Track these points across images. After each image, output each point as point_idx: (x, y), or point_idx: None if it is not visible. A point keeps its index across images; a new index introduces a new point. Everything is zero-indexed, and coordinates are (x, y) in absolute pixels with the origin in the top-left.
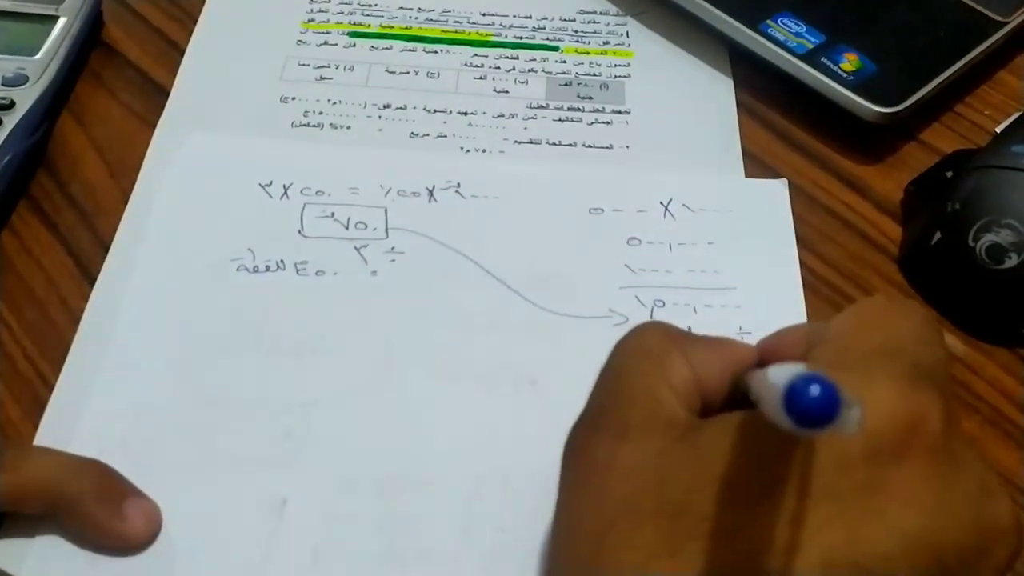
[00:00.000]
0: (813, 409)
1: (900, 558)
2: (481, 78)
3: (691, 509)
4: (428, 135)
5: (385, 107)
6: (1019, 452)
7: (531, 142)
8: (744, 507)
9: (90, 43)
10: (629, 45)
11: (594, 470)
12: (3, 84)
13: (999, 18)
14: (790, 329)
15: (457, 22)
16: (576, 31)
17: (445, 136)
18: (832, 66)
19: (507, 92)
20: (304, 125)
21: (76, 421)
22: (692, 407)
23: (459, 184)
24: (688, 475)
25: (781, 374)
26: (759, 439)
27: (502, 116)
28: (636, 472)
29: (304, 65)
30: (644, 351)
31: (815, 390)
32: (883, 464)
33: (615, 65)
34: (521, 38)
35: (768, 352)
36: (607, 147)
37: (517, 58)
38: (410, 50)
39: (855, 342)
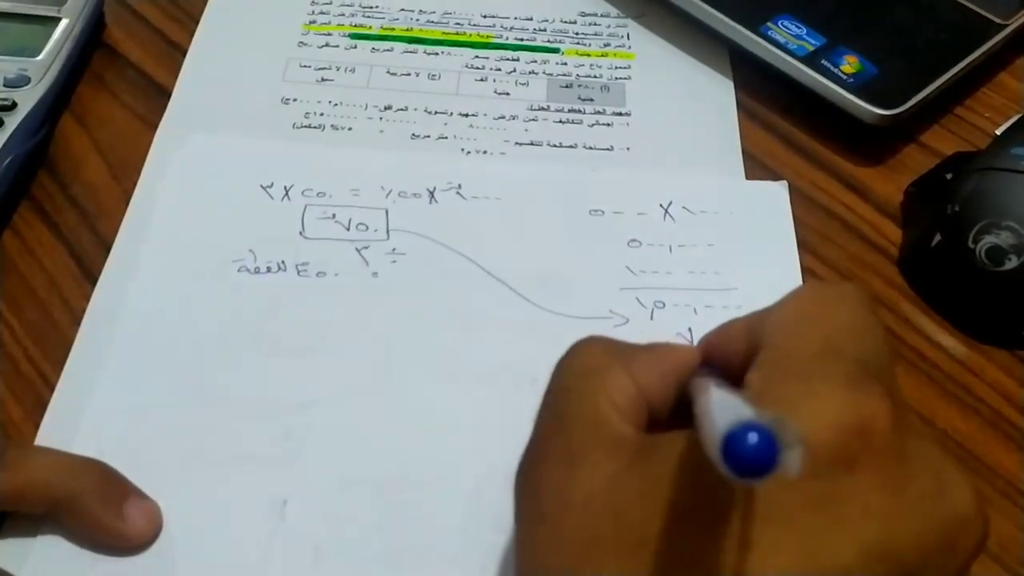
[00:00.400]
0: (751, 460)
1: (860, 569)
2: (482, 80)
3: (648, 541)
4: (429, 136)
5: (386, 109)
6: (1019, 454)
7: (532, 144)
8: (698, 536)
9: (92, 44)
10: (630, 47)
11: (548, 502)
12: (5, 85)
13: (999, 20)
14: (730, 324)
15: (458, 24)
16: (577, 33)
17: (446, 137)
18: (832, 68)
19: (508, 94)
20: (305, 126)
21: (77, 421)
22: (638, 422)
23: (460, 185)
24: (641, 504)
25: (722, 411)
26: (706, 464)
27: (503, 118)
28: (590, 503)
29: (305, 67)
30: (585, 370)
31: (753, 438)
32: (833, 477)
33: (616, 67)
34: (522, 40)
35: (710, 350)
36: (608, 149)
37: (518, 60)
38: (411, 52)
39: (795, 345)
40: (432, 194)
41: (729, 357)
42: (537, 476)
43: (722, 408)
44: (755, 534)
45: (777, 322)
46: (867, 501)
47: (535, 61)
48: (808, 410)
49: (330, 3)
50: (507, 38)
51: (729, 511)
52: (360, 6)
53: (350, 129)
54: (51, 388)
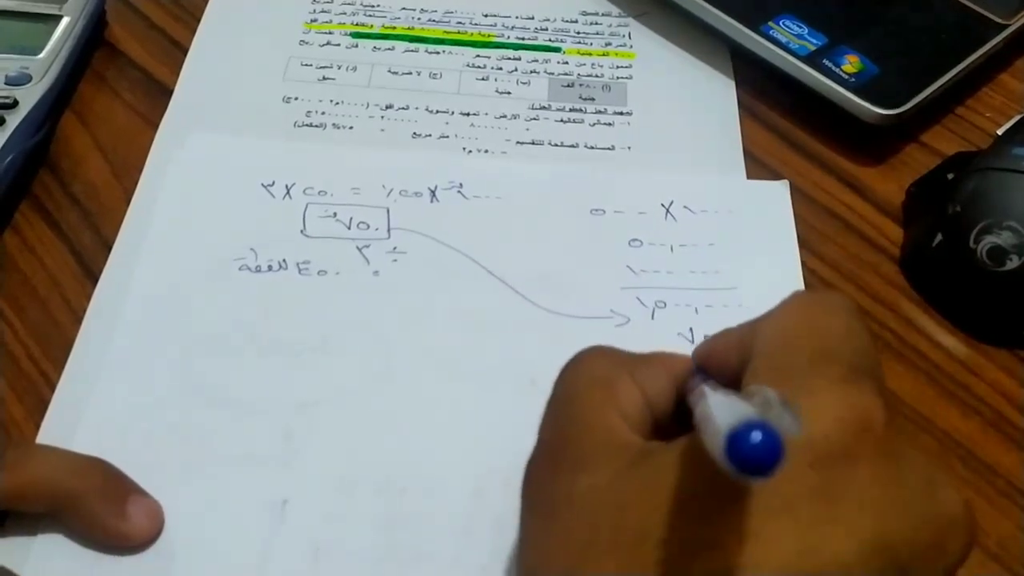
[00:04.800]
0: (755, 457)
1: (857, 564)
2: (483, 79)
3: (650, 535)
4: (430, 135)
5: (387, 107)
6: (1019, 454)
7: (533, 143)
8: (698, 529)
9: (93, 42)
10: (631, 46)
11: (555, 506)
12: (6, 83)
13: (1000, 20)
14: (722, 335)
15: (459, 23)
16: (578, 32)
17: (447, 136)
18: (834, 68)
19: (509, 93)
20: (307, 125)
21: (78, 420)
22: (644, 430)
23: (461, 184)
24: (643, 500)
25: (723, 412)
26: (706, 460)
27: (504, 117)
28: (595, 503)
29: (307, 65)
30: (593, 379)
31: (756, 436)
32: (834, 469)
33: (617, 66)
34: (523, 39)
35: (703, 361)
36: (609, 148)
37: (519, 59)
38: (412, 51)
39: (788, 351)
40: (433, 193)
41: (722, 368)
42: (546, 482)
43: (723, 409)
44: (756, 525)
45: (769, 335)
46: (864, 495)
47: (536, 60)
48: (807, 405)
49: (331, 2)
50: (508, 37)
51: (730, 504)
52: (361, 5)
53: (351, 128)
54: (52, 387)
